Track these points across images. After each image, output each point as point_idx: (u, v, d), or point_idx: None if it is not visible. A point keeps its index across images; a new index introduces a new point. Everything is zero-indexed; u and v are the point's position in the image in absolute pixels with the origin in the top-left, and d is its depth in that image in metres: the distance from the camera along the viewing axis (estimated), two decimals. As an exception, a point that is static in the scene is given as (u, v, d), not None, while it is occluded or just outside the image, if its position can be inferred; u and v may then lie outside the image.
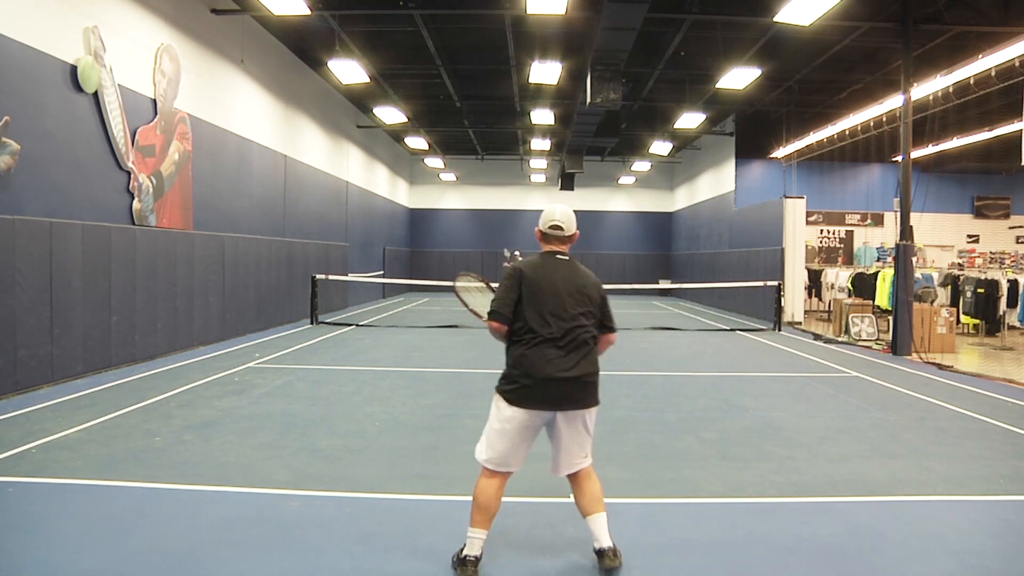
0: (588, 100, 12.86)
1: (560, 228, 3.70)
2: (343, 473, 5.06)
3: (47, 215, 7.93)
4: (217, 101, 12.32)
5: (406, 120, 19.26)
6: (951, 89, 13.35)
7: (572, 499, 3.65)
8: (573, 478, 3.59)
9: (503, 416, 3.49)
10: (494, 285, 3.78)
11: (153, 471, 4.98)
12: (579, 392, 3.46)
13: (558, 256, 3.71)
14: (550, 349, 3.41)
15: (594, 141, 20.55)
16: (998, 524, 4.34)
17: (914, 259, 12.68)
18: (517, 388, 3.43)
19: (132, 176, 9.73)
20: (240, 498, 4.53)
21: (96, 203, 9.01)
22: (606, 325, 3.65)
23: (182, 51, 11.08)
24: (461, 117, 21.11)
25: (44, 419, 6.37)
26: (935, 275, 16.06)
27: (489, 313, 3.56)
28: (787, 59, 14.97)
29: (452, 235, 31.41)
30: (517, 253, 27.73)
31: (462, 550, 3.48)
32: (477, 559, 3.43)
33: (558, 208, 3.78)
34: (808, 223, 19.81)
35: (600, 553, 3.47)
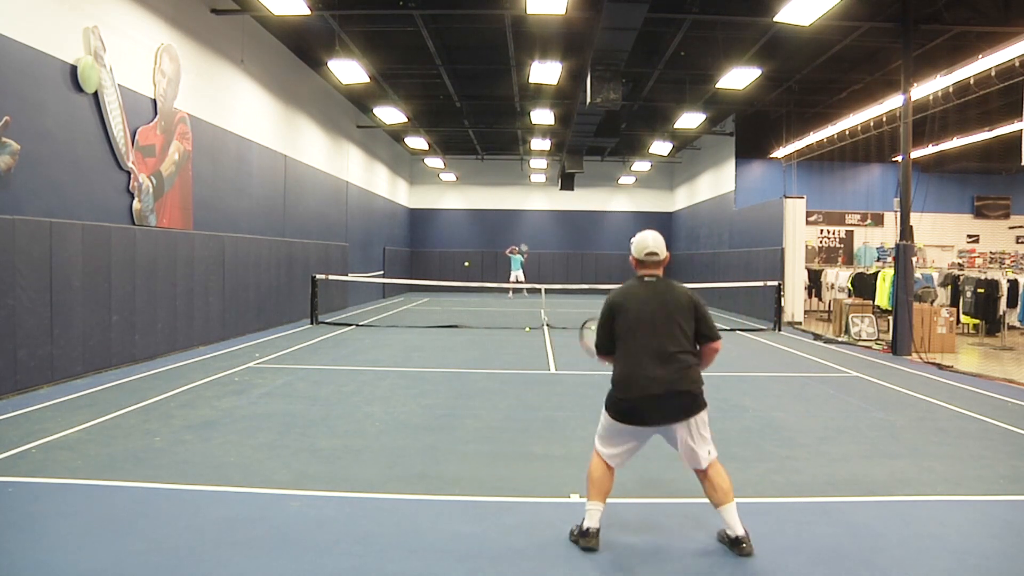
0: (588, 100, 12.85)
1: (655, 255, 3.93)
2: (343, 473, 5.06)
3: (47, 215, 7.93)
4: (217, 101, 12.32)
5: (406, 120, 19.26)
6: (951, 89, 13.35)
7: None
8: (699, 473, 3.87)
9: None
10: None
11: (153, 471, 4.98)
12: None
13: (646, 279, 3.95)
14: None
15: (594, 141, 20.55)
16: (998, 524, 4.34)
17: (914, 259, 12.68)
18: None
19: (132, 176, 9.73)
20: (240, 498, 4.53)
21: (96, 203, 9.01)
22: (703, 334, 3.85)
23: (182, 51, 11.08)
24: (461, 117, 21.11)
25: (44, 419, 6.37)
26: (935, 275, 16.06)
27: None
28: (787, 59, 14.97)
29: (452, 235, 31.40)
30: (524, 246, 27.87)
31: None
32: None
33: (650, 236, 4.01)
34: (808, 223, 19.80)
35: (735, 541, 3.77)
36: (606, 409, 3.84)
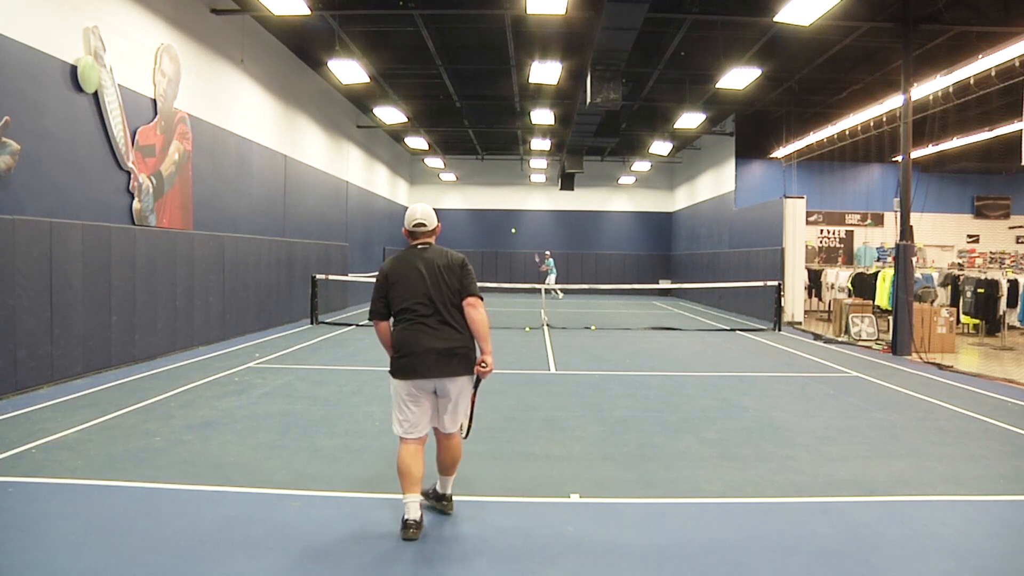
0: (588, 100, 12.86)
1: (423, 224, 4.15)
2: (343, 473, 5.06)
3: (47, 215, 7.93)
4: (217, 101, 12.32)
5: (406, 120, 19.26)
6: (951, 89, 13.35)
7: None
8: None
9: None
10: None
11: (153, 471, 4.98)
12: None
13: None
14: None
15: (594, 141, 20.54)
16: (998, 524, 4.33)
17: (914, 259, 12.68)
18: None
19: (132, 176, 9.73)
20: (240, 498, 4.53)
21: (96, 203, 9.01)
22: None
23: (182, 51, 11.08)
24: (461, 117, 21.11)
25: (44, 419, 6.37)
26: (935, 275, 16.06)
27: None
28: (787, 59, 14.97)
29: (452, 235, 31.36)
30: (548, 253, 28.14)
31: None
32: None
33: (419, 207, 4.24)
34: (808, 223, 19.81)
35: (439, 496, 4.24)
36: (391, 374, 4.10)
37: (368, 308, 4.24)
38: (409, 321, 3.98)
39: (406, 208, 26.87)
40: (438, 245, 4.18)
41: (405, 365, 3.97)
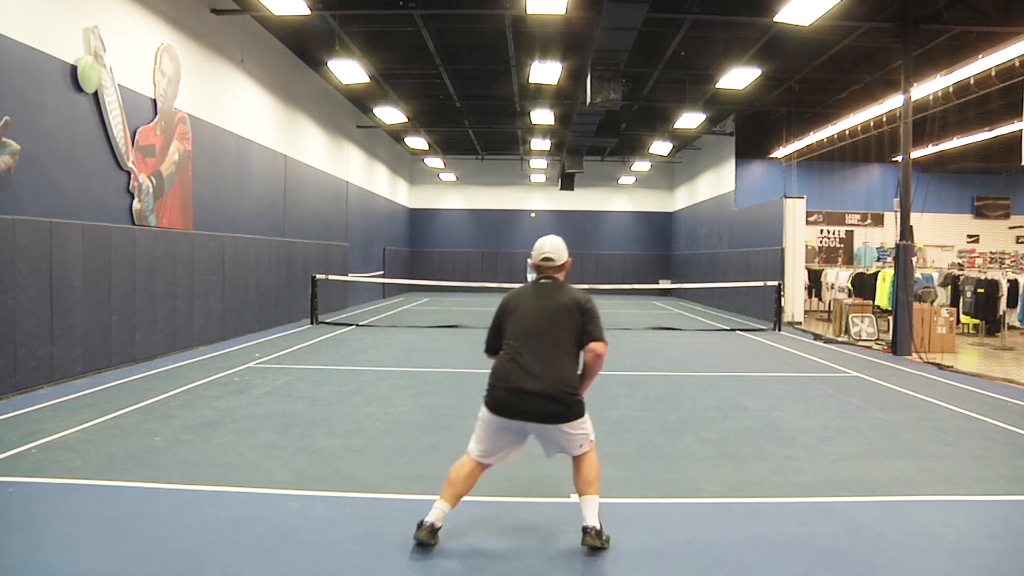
0: (588, 100, 12.85)
1: (551, 260, 3.93)
2: (343, 473, 5.06)
3: (47, 215, 7.93)
4: (217, 101, 12.32)
5: (406, 120, 19.25)
6: (951, 89, 13.35)
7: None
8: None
9: None
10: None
11: (153, 471, 4.98)
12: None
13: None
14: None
15: (594, 141, 20.54)
16: (998, 524, 4.33)
17: (914, 259, 12.68)
18: None
19: (132, 176, 9.72)
20: (240, 498, 4.53)
21: (96, 203, 9.01)
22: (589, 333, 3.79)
23: (182, 51, 11.08)
24: (461, 117, 21.12)
25: (44, 419, 6.36)
26: (935, 275, 16.06)
27: None
28: (787, 59, 14.97)
29: (452, 235, 31.41)
30: None
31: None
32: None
33: (547, 240, 4.00)
34: (808, 223, 19.81)
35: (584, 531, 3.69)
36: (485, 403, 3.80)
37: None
38: (508, 356, 3.74)
39: (406, 208, 26.91)
40: (567, 283, 3.94)
41: (497, 399, 3.70)
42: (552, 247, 3.93)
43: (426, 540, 3.68)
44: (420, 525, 3.71)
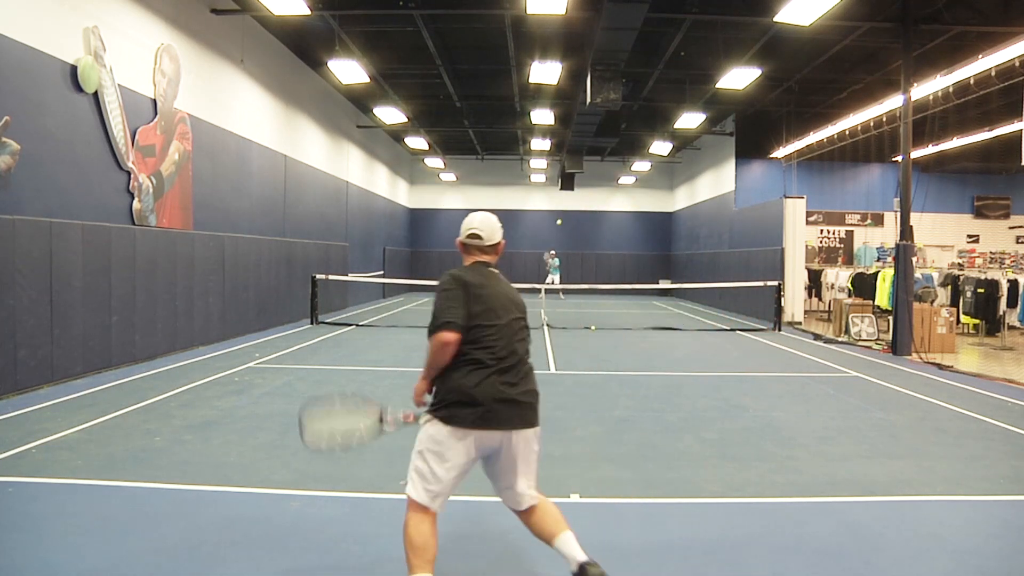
0: (588, 100, 12.86)
1: (480, 237, 3.28)
2: (343, 473, 5.06)
3: (47, 215, 7.93)
4: (217, 101, 12.32)
5: (406, 120, 19.26)
6: (951, 89, 13.35)
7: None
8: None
9: None
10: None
11: (153, 471, 4.98)
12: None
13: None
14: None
15: (594, 141, 20.55)
16: (998, 524, 4.33)
17: (914, 259, 12.68)
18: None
19: (132, 176, 9.72)
20: (240, 498, 4.53)
21: (96, 203, 9.01)
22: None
23: (182, 51, 11.07)
24: (461, 117, 21.11)
25: (44, 419, 6.36)
26: (935, 275, 16.06)
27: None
28: (787, 59, 14.97)
29: (452, 235, 30.42)
30: (553, 252, 28.25)
31: None
32: None
33: (477, 216, 3.38)
34: (808, 223, 19.81)
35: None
36: (440, 420, 3.03)
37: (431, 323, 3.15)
38: (491, 356, 3.04)
39: (406, 208, 26.82)
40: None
41: (472, 412, 2.97)
42: (483, 223, 3.28)
43: None
44: None
